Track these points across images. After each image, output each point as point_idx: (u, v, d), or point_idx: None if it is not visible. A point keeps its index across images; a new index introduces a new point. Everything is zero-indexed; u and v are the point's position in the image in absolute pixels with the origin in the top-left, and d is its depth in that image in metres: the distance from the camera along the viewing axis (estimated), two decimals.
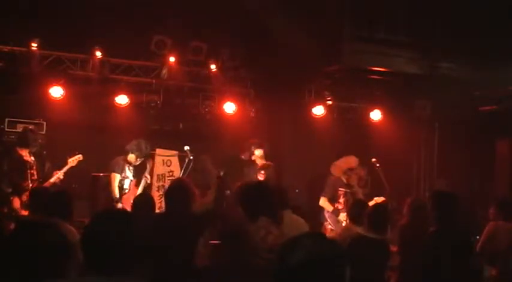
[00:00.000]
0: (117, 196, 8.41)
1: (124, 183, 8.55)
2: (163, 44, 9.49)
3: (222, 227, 5.52)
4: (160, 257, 4.82)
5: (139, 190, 8.44)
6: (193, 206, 5.61)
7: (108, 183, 8.55)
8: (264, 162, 9.05)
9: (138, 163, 8.68)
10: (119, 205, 8.28)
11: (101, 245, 2.48)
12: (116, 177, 8.48)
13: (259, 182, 4.85)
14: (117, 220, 2.55)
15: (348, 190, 8.70)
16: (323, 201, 8.74)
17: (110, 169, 8.60)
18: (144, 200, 6.38)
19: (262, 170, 8.82)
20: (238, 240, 4.44)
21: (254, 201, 4.61)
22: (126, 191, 8.51)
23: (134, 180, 8.64)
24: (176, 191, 5.48)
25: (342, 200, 8.76)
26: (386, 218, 5.54)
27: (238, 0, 9.21)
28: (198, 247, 5.26)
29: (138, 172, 8.78)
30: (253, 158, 9.16)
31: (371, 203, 7.20)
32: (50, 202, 5.30)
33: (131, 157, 8.59)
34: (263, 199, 4.64)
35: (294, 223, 5.32)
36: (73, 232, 4.90)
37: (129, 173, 8.62)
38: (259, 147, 9.16)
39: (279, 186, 5.32)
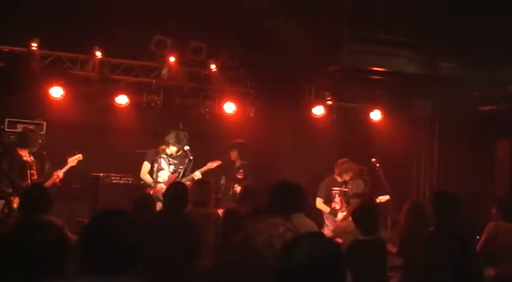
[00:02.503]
0: (149, 181, 8.40)
1: (159, 174, 8.47)
2: (163, 44, 9.49)
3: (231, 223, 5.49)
4: (160, 257, 4.82)
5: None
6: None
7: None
8: (241, 162, 9.36)
9: (178, 154, 8.57)
10: (150, 190, 8.28)
11: (100, 245, 2.47)
12: (146, 166, 8.47)
13: (292, 181, 4.91)
14: (116, 220, 2.55)
15: (343, 189, 8.72)
16: (319, 203, 8.74)
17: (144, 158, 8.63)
18: (145, 200, 6.40)
19: (240, 169, 9.20)
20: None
21: (285, 198, 4.65)
22: (160, 182, 8.38)
23: (176, 174, 8.48)
24: (174, 192, 5.51)
25: (338, 199, 8.77)
26: (374, 217, 5.46)
27: (238, 0, 9.21)
28: (201, 247, 5.26)
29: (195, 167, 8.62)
30: (232, 158, 9.45)
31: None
32: (28, 199, 5.26)
33: (172, 149, 8.52)
34: (294, 198, 4.70)
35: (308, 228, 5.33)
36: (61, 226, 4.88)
37: (165, 164, 8.52)
38: (232, 148, 9.47)
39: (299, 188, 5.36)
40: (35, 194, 5.24)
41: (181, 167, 8.55)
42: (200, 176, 8.35)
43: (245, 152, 9.51)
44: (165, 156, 8.54)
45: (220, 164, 8.80)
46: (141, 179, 8.58)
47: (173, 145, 8.50)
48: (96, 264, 2.46)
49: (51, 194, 5.31)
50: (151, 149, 8.68)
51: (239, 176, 9.30)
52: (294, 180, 4.90)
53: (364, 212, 5.44)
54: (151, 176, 8.46)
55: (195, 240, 5.20)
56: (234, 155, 9.53)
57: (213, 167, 8.63)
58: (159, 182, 8.41)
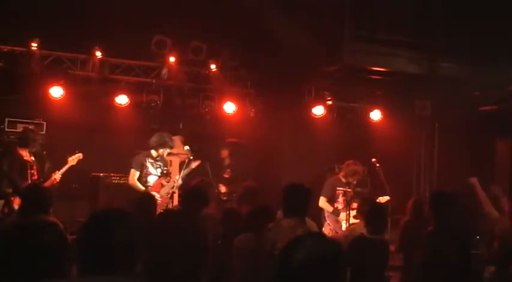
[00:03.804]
0: (140, 188, 8.23)
1: (148, 179, 8.36)
2: (163, 44, 9.49)
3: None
4: (161, 257, 4.81)
5: (165, 190, 8.30)
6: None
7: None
8: (230, 161, 9.40)
9: (165, 154, 8.52)
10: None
11: (98, 245, 2.46)
12: (135, 174, 8.36)
13: (302, 184, 5.00)
14: (114, 219, 2.54)
15: (347, 189, 8.72)
16: (322, 202, 8.76)
17: (130, 166, 8.52)
18: (145, 200, 6.40)
19: (228, 168, 9.27)
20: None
21: (299, 201, 4.71)
22: (149, 188, 8.28)
23: (162, 178, 8.43)
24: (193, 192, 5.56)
25: (341, 199, 8.79)
26: (384, 218, 5.54)
27: (238, 0, 9.21)
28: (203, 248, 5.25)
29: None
30: (222, 157, 9.47)
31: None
32: (28, 199, 5.25)
33: (161, 152, 8.44)
34: (306, 200, 4.81)
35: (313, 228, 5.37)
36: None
37: (152, 169, 8.42)
38: (224, 147, 9.50)
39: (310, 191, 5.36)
40: (35, 195, 5.23)
41: (166, 168, 8.52)
42: (180, 181, 8.31)
43: (237, 152, 9.51)
44: (152, 160, 8.44)
45: (200, 164, 8.69)
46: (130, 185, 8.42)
47: (159, 147, 8.44)
48: (94, 264, 2.46)
49: (51, 194, 5.29)
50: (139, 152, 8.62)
51: (226, 176, 9.32)
52: (303, 183, 4.95)
53: (375, 212, 5.48)
54: (141, 181, 8.33)
55: (203, 241, 5.21)
56: (224, 153, 9.54)
57: (193, 167, 8.51)
58: (149, 187, 8.32)
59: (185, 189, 6.19)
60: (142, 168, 8.40)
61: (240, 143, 9.72)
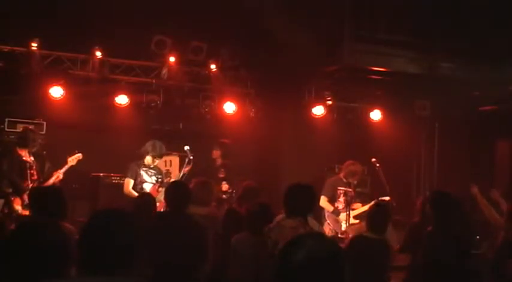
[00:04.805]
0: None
1: (144, 187, 8.28)
2: (163, 44, 9.49)
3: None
4: (161, 256, 4.82)
5: (162, 195, 8.22)
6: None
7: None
8: (222, 161, 9.33)
9: (155, 164, 8.45)
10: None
11: (98, 245, 2.46)
12: (129, 183, 8.27)
13: (306, 184, 5.01)
14: (115, 219, 2.54)
15: (348, 189, 8.73)
16: (323, 201, 8.77)
17: (125, 174, 8.46)
18: (145, 200, 6.39)
19: (222, 168, 9.18)
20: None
21: (302, 201, 4.73)
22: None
23: (157, 184, 8.34)
24: (176, 191, 5.50)
25: (342, 199, 8.80)
26: (387, 219, 5.55)
27: (238, 0, 9.21)
28: (208, 248, 5.26)
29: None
30: (214, 157, 9.40)
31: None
32: (45, 201, 5.25)
33: (148, 159, 8.36)
34: (310, 200, 4.87)
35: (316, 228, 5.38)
36: (73, 232, 4.87)
37: (147, 177, 8.36)
38: (216, 147, 9.43)
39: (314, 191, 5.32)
40: (40, 197, 5.23)
41: (160, 176, 8.46)
42: None
43: (228, 152, 9.49)
44: (145, 168, 8.38)
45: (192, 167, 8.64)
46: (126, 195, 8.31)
47: (148, 154, 8.34)
48: (94, 264, 2.46)
49: (59, 196, 5.27)
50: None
51: (221, 175, 9.30)
52: (307, 183, 4.95)
53: (377, 212, 5.49)
54: (136, 190, 8.24)
55: (203, 241, 5.21)
56: (216, 153, 9.52)
57: (185, 172, 8.48)
58: None
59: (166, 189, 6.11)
60: (136, 176, 8.33)
61: (232, 143, 9.68)
